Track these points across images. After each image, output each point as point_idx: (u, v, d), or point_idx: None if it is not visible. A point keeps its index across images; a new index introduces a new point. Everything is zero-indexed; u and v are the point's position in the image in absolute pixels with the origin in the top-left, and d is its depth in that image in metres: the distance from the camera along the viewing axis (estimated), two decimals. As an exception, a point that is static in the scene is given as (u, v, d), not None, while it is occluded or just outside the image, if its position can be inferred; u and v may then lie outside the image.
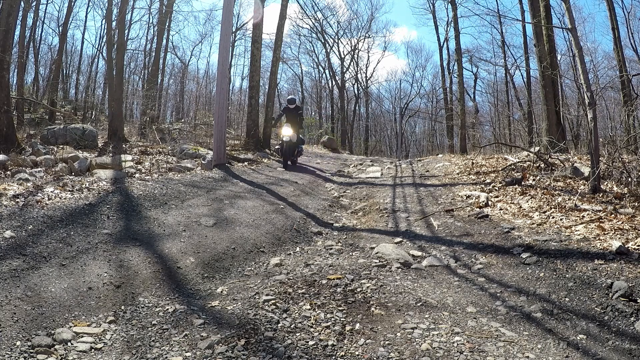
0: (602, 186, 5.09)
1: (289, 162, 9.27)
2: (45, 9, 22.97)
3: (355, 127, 32.78)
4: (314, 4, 31.32)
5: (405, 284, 2.95)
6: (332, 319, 2.36)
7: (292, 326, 2.26)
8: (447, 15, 24.72)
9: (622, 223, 3.72)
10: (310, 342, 2.10)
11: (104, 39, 20.04)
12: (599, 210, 4.19)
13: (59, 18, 21.52)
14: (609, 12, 12.13)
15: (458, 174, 7.41)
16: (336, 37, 28.43)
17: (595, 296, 2.54)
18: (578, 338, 2.19)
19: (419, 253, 3.72)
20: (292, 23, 33.88)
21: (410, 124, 35.61)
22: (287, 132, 8.83)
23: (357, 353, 2.02)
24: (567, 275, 2.85)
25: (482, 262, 3.44)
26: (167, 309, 2.49)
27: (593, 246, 3.25)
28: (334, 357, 1.99)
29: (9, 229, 3.08)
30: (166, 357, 1.97)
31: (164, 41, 19.73)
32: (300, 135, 9.70)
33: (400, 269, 3.26)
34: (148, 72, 19.78)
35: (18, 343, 1.98)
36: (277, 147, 10.26)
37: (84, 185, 4.63)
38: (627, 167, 5.31)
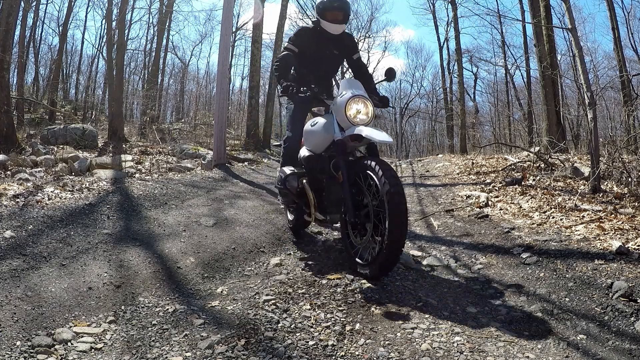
0: (602, 186, 5.09)
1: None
2: (45, 9, 23.05)
3: (356, 127, 32.71)
4: (313, 4, 31.36)
5: (406, 284, 2.94)
6: (332, 319, 2.35)
7: (292, 326, 2.26)
8: (447, 15, 24.74)
9: (622, 223, 3.72)
10: (311, 342, 2.10)
11: (104, 39, 20.07)
12: (599, 210, 4.19)
13: (59, 18, 21.60)
14: (609, 12, 12.15)
15: (458, 174, 7.41)
16: (336, 37, 28.37)
17: (595, 296, 2.54)
18: (578, 338, 2.19)
19: (419, 253, 3.72)
20: (292, 23, 33.84)
21: (410, 124, 35.66)
22: (365, 111, 2.94)
23: (357, 353, 2.02)
24: (567, 275, 2.85)
25: (482, 262, 3.44)
26: (167, 309, 2.49)
27: (593, 246, 3.25)
28: (334, 357, 1.99)
29: (9, 228, 3.08)
30: (166, 357, 1.97)
31: (164, 41, 19.79)
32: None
33: (400, 269, 3.26)
34: (148, 72, 19.82)
35: (18, 343, 1.98)
36: (288, 173, 3.37)
37: (84, 185, 4.63)
38: (627, 167, 5.31)
